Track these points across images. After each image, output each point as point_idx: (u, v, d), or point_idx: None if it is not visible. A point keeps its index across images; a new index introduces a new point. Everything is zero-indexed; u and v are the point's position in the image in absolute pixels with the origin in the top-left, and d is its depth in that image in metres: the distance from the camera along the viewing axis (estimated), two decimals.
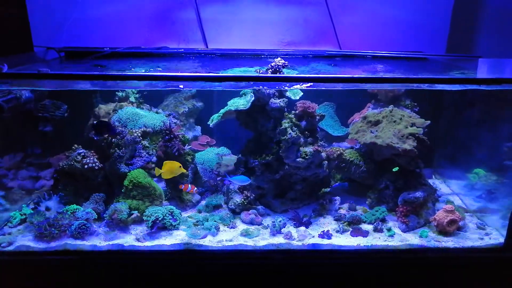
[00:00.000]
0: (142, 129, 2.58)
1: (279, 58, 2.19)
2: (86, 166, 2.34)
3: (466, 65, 2.63)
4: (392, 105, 2.59)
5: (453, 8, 2.87)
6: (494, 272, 2.10)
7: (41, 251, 2.04)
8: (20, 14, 2.64)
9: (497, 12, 2.68)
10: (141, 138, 2.55)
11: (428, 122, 2.42)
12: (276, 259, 2.09)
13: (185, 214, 2.38)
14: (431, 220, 2.26)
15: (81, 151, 2.39)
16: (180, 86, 2.67)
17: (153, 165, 2.50)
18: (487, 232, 2.24)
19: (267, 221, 2.31)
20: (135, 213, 2.24)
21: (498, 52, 2.63)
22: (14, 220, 2.24)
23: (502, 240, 2.14)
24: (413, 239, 2.16)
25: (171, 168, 2.20)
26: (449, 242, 2.14)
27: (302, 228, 2.23)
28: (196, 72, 2.19)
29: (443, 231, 2.20)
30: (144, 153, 2.53)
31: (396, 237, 2.18)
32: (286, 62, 2.19)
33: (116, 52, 2.53)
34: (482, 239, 2.18)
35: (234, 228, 2.26)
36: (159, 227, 2.19)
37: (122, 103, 2.75)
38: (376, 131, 2.48)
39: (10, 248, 2.05)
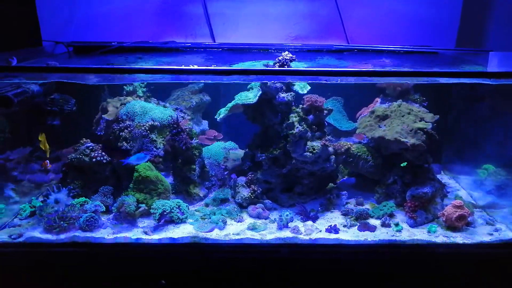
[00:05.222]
0: (150, 123, 2.59)
1: (286, 52, 2.18)
2: (94, 160, 2.36)
3: (477, 59, 2.59)
4: (400, 100, 2.56)
5: (463, 1, 2.84)
6: (503, 268, 2.08)
7: (50, 243, 2.06)
8: (29, 9, 2.66)
9: (508, 5, 2.64)
10: (148, 132, 2.56)
11: (437, 117, 2.39)
12: (283, 253, 2.09)
13: (192, 208, 2.39)
14: (439, 215, 2.24)
15: (89, 144, 2.41)
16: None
17: (160, 159, 2.51)
18: (496, 228, 2.22)
19: (274, 215, 2.31)
20: (143, 206, 2.25)
21: (509, 46, 2.60)
22: (24, 213, 2.27)
23: (511, 236, 2.12)
24: (421, 234, 2.15)
25: (44, 143, 2.36)
26: (457, 238, 2.12)
27: (309, 222, 2.23)
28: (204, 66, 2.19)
29: (451, 227, 2.18)
30: (152, 147, 2.54)
31: (404, 232, 2.17)
32: (294, 56, 2.18)
33: (124, 46, 2.54)
34: (491, 234, 2.15)
35: (241, 222, 2.26)
36: (167, 220, 2.20)
37: (129, 97, 2.76)
38: (385, 125, 2.46)
39: (20, 239, 2.07)
